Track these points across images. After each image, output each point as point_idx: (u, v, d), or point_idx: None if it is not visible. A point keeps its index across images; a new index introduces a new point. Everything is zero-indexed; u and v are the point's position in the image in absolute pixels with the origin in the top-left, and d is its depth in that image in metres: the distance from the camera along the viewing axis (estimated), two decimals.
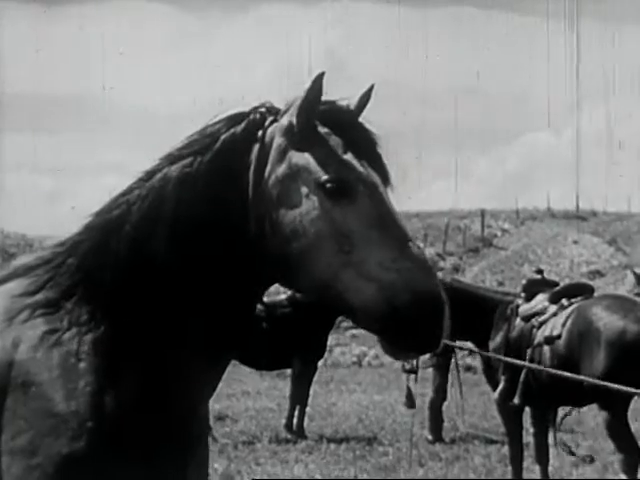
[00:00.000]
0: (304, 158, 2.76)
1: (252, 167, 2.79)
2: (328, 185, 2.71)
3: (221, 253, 2.79)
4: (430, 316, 2.62)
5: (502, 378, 8.69)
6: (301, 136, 2.77)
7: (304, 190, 2.74)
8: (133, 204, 2.86)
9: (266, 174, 2.78)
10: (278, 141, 2.80)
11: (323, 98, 2.81)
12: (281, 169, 2.77)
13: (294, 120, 2.78)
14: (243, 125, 2.85)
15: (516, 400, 8.47)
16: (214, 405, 13.06)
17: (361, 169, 2.76)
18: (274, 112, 2.87)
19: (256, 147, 2.81)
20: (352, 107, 2.89)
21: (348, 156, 2.77)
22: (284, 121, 2.81)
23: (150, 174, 2.90)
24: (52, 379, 2.80)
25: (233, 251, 2.78)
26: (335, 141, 2.78)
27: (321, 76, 2.75)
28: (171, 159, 2.89)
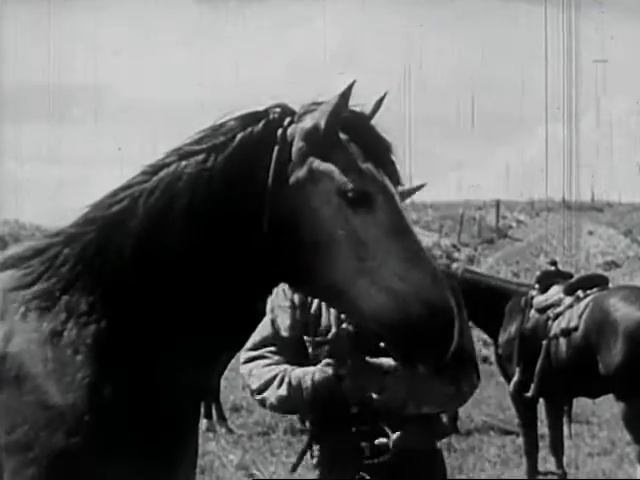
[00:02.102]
0: (326, 164, 2.77)
1: (272, 166, 2.78)
2: (350, 194, 2.73)
3: (230, 249, 2.77)
4: (440, 329, 2.66)
5: (516, 370, 8.67)
6: (324, 141, 2.77)
7: (325, 195, 2.75)
8: (138, 197, 2.82)
9: (286, 175, 2.77)
10: (299, 144, 2.79)
11: None
12: (302, 172, 2.77)
13: (321, 125, 2.77)
14: (261, 125, 2.83)
15: (531, 392, 8.46)
16: (229, 396, 13.08)
17: (380, 179, 2.78)
18: (290, 113, 2.86)
19: (276, 147, 2.79)
20: (366, 113, 2.90)
21: (368, 165, 2.78)
22: (307, 124, 2.80)
23: (157, 168, 2.86)
24: (47, 372, 2.75)
25: (242, 248, 2.77)
26: (354, 149, 2.79)
27: (352, 85, 2.76)
28: (181, 154, 2.85)
